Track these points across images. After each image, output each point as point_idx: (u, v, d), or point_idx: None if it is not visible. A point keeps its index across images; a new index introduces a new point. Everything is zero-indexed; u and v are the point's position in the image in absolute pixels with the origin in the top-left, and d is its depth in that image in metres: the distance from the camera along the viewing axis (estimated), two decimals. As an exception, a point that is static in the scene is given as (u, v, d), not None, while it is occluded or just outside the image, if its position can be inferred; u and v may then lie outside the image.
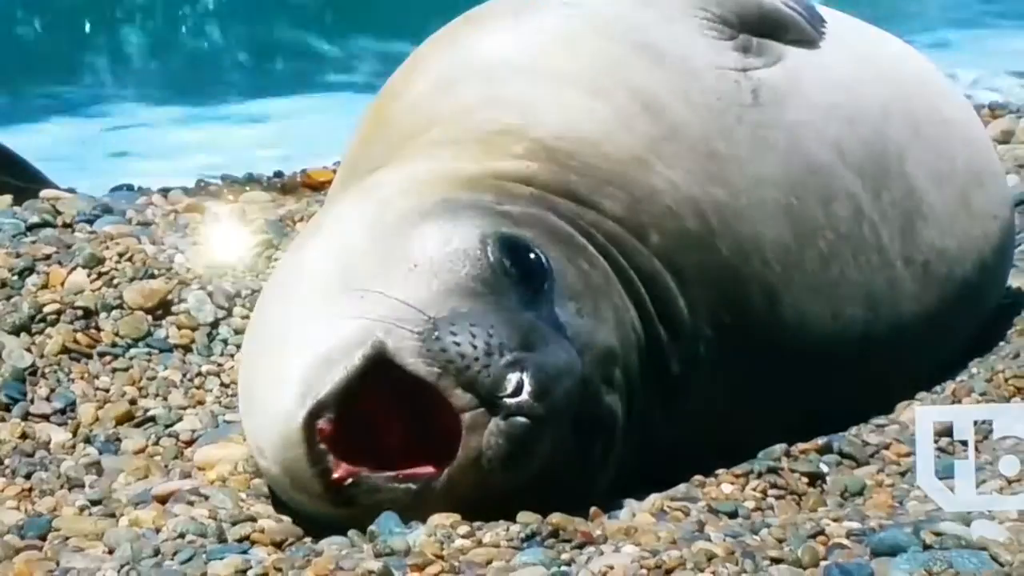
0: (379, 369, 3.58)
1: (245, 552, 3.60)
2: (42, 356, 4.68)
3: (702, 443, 4.00)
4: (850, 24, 4.82)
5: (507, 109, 4.12)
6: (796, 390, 4.17)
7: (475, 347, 3.51)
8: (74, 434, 4.44)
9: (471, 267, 3.70)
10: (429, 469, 3.56)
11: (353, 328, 3.62)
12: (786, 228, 4.20)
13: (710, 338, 4.04)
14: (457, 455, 3.51)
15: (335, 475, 3.59)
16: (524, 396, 3.49)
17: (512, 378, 3.50)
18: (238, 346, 4.68)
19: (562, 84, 4.17)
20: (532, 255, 3.75)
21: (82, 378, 4.64)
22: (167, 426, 4.49)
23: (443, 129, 4.13)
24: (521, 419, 3.49)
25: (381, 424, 3.62)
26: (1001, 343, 4.74)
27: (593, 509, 3.63)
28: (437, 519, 3.51)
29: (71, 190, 6.32)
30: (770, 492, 3.93)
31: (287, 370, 3.68)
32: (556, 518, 3.49)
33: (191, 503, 3.90)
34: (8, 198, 5.65)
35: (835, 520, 3.57)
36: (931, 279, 4.51)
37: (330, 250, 3.85)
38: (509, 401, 3.49)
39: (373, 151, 4.25)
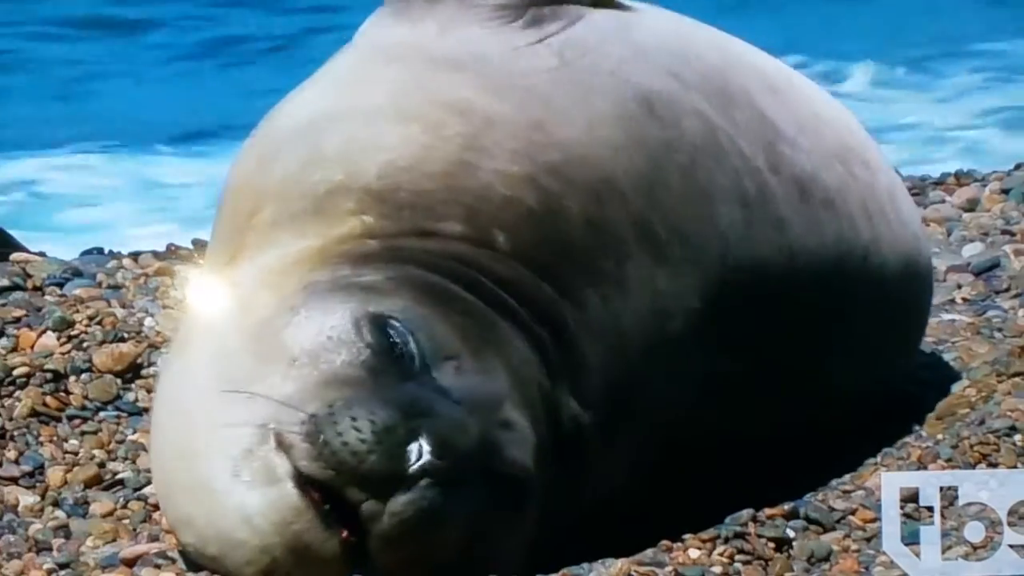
0: None
1: (211, 615, 3.60)
2: (11, 419, 4.67)
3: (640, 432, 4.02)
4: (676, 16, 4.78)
5: (328, 165, 4.06)
6: (701, 322, 4.14)
7: (363, 441, 3.46)
8: (42, 497, 4.44)
9: (346, 353, 3.66)
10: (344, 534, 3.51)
11: (237, 435, 3.60)
12: (637, 157, 4.16)
13: (595, 303, 3.99)
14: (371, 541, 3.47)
15: (344, 533, 3.51)
16: (426, 457, 3.45)
17: (412, 448, 3.46)
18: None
19: (369, 121, 4.13)
20: (394, 330, 3.69)
21: (51, 441, 4.64)
22: (136, 489, 4.49)
23: (276, 205, 4.07)
24: (426, 481, 3.44)
25: None
26: (967, 410, 4.77)
27: (561, 572, 3.64)
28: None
29: (41, 253, 6.32)
30: (737, 557, 3.95)
31: (210, 476, 3.63)
32: (524, 582, 3.51)
33: (158, 566, 3.90)
34: (-23, 261, 5.65)
35: (802, 585, 3.60)
36: (809, 198, 4.46)
37: (208, 357, 3.80)
38: (413, 469, 3.45)
39: (221, 240, 4.22)
